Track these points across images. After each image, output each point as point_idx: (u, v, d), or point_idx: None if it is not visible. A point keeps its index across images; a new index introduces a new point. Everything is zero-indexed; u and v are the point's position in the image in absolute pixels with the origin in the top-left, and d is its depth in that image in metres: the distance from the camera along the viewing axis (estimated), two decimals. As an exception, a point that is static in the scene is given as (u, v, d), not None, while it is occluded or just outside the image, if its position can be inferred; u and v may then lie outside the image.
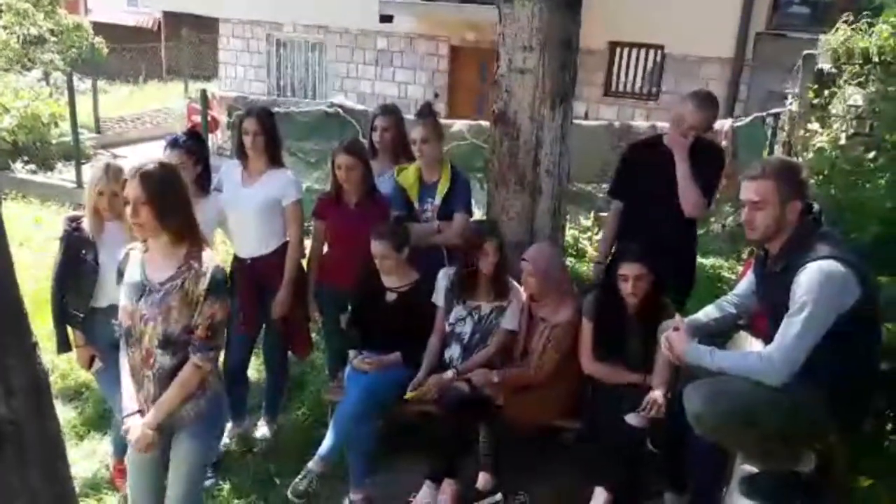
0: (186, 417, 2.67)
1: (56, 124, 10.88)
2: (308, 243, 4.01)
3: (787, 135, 6.20)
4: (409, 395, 3.44)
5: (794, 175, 2.57)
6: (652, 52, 10.73)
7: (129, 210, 2.52)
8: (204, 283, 2.52)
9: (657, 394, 3.15)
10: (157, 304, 2.55)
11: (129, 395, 2.70)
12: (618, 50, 10.94)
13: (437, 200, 3.92)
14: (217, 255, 2.77)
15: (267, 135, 3.79)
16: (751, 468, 2.74)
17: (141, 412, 2.65)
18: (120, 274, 2.75)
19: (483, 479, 3.50)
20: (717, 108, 3.67)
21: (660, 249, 3.33)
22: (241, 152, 3.86)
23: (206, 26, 15.82)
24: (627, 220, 3.88)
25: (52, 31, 15.94)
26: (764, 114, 6.66)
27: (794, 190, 2.52)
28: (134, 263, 2.67)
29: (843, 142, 5.20)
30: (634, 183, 3.78)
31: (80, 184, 8.88)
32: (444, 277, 3.68)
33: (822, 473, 2.66)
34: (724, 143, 6.24)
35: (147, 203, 2.48)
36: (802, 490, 2.62)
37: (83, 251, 3.34)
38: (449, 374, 3.48)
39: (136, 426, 2.62)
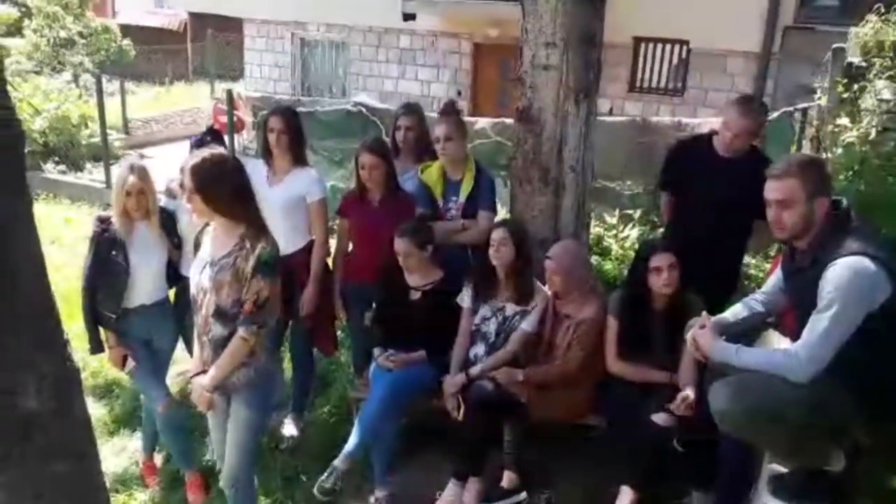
0: (238, 384, 2.88)
1: (85, 125, 11.06)
2: (333, 242, 4.04)
3: (816, 130, 6.10)
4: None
5: (819, 171, 2.54)
6: (677, 47, 10.62)
7: (185, 197, 2.80)
8: (252, 261, 2.72)
9: (688, 392, 3.12)
10: (212, 279, 2.79)
11: (195, 357, 3.00)
12: (642, 45, 10.84)
13: (462, 198, 3.92)
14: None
15: (291, 133, 3.82)
16: (779, 467, 2.71)
17: (205, 372, 2.90)
18: (197, 245, 3.01)
19: (508, 478, 3.49)
20: (762, 114, 3.61)
21: (700, 252, 3.31)
22: (265, 151, 3.89)
23: (231, 27, 15.96)
24: (675, 215, 3.87)
25: (81, 34, 16.18)
26: (791, 109, 6.56)
27: (820, 186, 2.49)
28: (206, 238, 2.94)
29: (873, 137, 5.12)
30: (680, 181, 3.75)
31: (109, 184, 9.01)
32: (470, 278, 3.67)
33: (852, 472, 2.62)
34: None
35: (197, 192, 2.73)
36: (831, 489, 2.59)
37: (113, 252, 3.39)
38: (458, 378, 3.48)
39: (198, 387, 2.90)
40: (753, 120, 3.55)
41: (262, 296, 2.75)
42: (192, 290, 2.91)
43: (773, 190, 2.53)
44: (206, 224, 2.96)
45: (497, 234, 3.47)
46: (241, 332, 2.77)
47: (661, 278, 3.28)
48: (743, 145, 3.56)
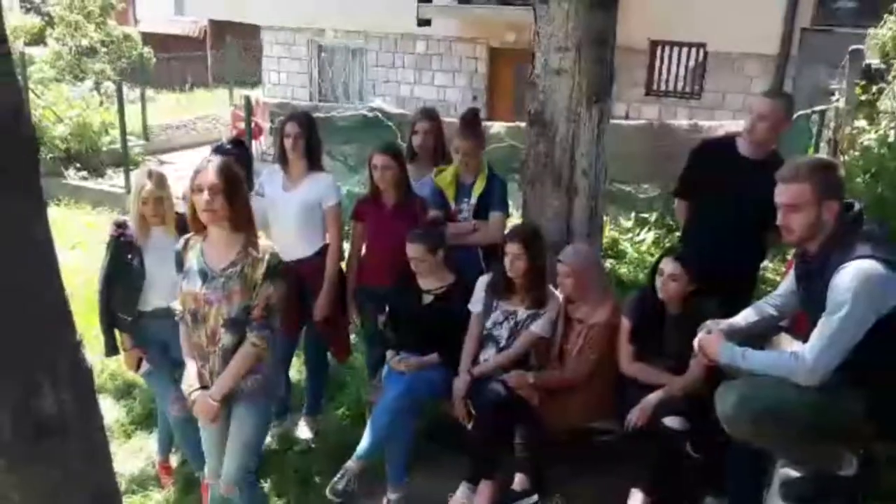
0: (246, 390, 2.90)
1: (106, 132, 11.22)
2: (347, 246, 4.07)
3: (833, 132, 6.05)
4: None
5: (829, 174, 2.52)
6: (693, 50, 10.58)
7: (203, 196, 2.73)
8: (261, 269, 2.77)
9: (649, 397, 3.19)
10: (220, 289, 2.80)
11: (192, 374, 2.95)
12: (659, 49, 10.82)
13: (474, 200, 3.94)
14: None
15: (307, 138, 3.86)
16: (791, 472, 2.70)
17: (206, 387, 2.90)
18: (179, 261, 2.96)
19: (520, 481, 3.49)
20: (789, 101, 3.59)
21: (720, 254, 3.30)
22: (282, 156, 3.93)
23: (250, 34, 16.11)
24: (692, 221, 3.86)
25: (102, 42, 16.37)
26: (809, 111, 6.52)
27: (830, 189, 2.47)
28: (194, 252, 2.90)
29: (891, 139, 5.06)
30: (702, 183, 3.72)
31: (129, 189, 9.11)
32: (482, 283, 3.68)
33: (864, 477, 2.60)
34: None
35: (222, 191, 2.72)
36: (843, 493, 2.57)
37: (129, 256, 3.44)
38: (463, 379, 3.48)
39: (202, 399, 2.87)
40: (779, 103, 3.51)
41: (272, 301, 2.81)
42: (189, 304, 2.87)
43: (781, 193, 2.52)
44: (188, 239, 2.95)
45: (511, 248, 3.46)
46: (251, 337, 2.81)
47: (660, 282, 3.29)
48: (768, 135, 3.50)
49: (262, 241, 2.88)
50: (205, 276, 2.83)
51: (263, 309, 2.80)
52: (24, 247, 1.75)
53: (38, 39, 18.42)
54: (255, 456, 3.05)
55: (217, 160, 2.81)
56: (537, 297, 3.54)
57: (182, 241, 2.99)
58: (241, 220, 2.81)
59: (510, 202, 4.13)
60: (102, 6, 16.65)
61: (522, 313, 3.57)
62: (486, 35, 11.93)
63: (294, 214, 3.85)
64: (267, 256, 2.79)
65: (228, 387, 2.85)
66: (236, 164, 3.65)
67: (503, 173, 4.22)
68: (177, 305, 2.99)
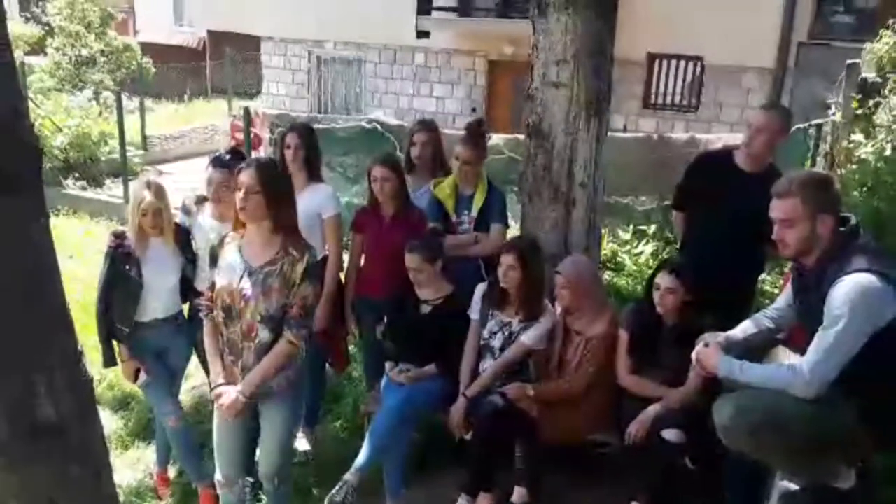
0: (276, 387, 2.94)
1: (105, 142, 11.24)
2: (346, 257, 4.07)
3: (830, 146, 6.08)
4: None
5: (822, 188, 2.53)
6: (691, 63, 10.64)
7: (239, 196, 2.81)
8: (300, 268, 2.82)
9: (651, 409, 3.20)
10: (259, 285, 2.83)
11: (217, 370, 2.99)
12: (656, 62, 10.88)
13: (474, 212, 3.96)
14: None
15: (307, 150, 3.88)
16: (790, 485, 2.70)
17: (231, 384, 2.92)
18: (213, 257, 3.01)
19: (518, 493, 3.48)
20: (787, 114, 3.63)
21: (718, 266, 3.31)
22: (282, 167, 3.93)
23: (249, 45, 16.17)
24: (690, 233, 3.88)
25: (102, 52, 16.43)
26: (806, 124, 6.56)
27: (823, 204, 2.48)
28: (231, 248, 2.95)
29: (888, 153, 5.09)
30: (700, 195, 3.74)
31: (127, 199, 9.04)
32: (479, 291, 3.69)
33: (862, 490, 2.60)
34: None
35: (259, 192, 2.78)
36: (842, 507, 2.57)
37: (127, 266, 3.44)
38: (459, 404, 3.47)
39: (229, 394, 2.89)
40: (776, 116, 3.55)
41: (309, 301, 2.88)
42: (224, 299, 2.90)
43: (775, 208, 2.54)
44: (225, 235, 3.01)
45: (506, 259, 3.47)
46: (289, 335, 2.85)
47: (657, 296, 3.31)
48: (765, 148, 3.53)
49: (303, 242, 2.91)
50: (243, 271, 2.87)
51: (301, 308, 2.85)
52: (26, 251, 1.76)
53: (37, 49, 18.45)
54: (289, 452, 3.13)
55: (259, 160, 2.91)
56: (532, 309, 3.53)
57: (219, 238, 3.06)
58: (282, 219, 2.86)
59: (508, 214, 4.15)
60: (102, 17, 16.73)
61: (517, 325, 3.56)
62: (485, 47, 12.00)
63: (293, 225, 3.85)
64: (306, 256, 2.84)
65: (259, 383, 2.88)
66: (231, 175, 3.68)
67: (501, 185, 4.24)
68: (202, 301, 3.07)
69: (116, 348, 3.55)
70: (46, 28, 18.04)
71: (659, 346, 3.38)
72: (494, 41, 11.69)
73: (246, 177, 2.80)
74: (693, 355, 2.82)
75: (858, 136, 5.51)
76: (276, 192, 2.83)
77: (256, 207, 2.80)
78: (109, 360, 3.58)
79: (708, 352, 2.75)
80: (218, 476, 3.15)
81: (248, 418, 3.04)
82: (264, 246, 2.88)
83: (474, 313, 3.66)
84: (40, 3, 19.83)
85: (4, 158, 1.65)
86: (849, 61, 6.06)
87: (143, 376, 3.57)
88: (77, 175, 10.58)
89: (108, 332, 3.53)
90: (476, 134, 4.07)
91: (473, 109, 12.14)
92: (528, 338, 3.53)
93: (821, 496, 2.60)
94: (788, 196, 2.50)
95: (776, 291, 5.63)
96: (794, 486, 2.68)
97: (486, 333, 3.62)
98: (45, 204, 1.83)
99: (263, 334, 2.86)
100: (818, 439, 2.43)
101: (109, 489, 2.16)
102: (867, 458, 2.61)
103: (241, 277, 2.87)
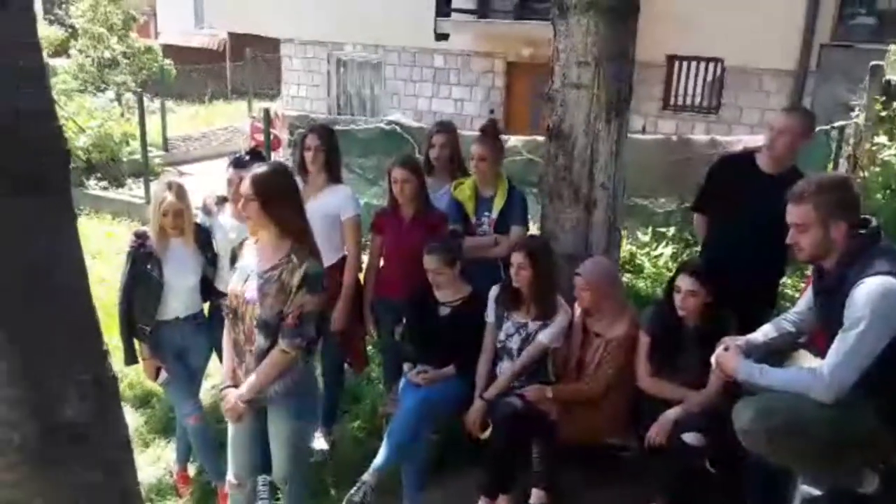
0: (274, 395, 2.93)
1: (127, 143, 11.35)
2: (365, 258, 4.09)
3: (853, 148, 6.02)
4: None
5: (837, 193, 2.50)
6: (711, 64, 10.56)
7: (241, 205, 2.88)
8: (298, 276, 2.78)
9: (672, 412, 3.17)
10: (257, 290, 2.84)
11: (226, 370, 3.05)
12: (676, 63, 10.81)
13: (494, 214, 3.96)
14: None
15: (328, 151, 3.90)
16: (812, 490, 2.67)
17: (236, 385, 2.96)
18: (233, 258, 3.06)
19: (536, 496, 3.47)
20: (810, 117, 3.60)
21: (739, 269, 3.29)
22: (302, 168, 3.96)
23: (269, 46, 16.27)
24: (711, 235, 3.86)
25: (124, 54, 16.62)
26: (828, 127, 6.49)
27: (836, 210, 2.46)
28: (248, 251, 2.99)
29: (912, 155, 5.04)
30: (721, 197, 3.72)
31: (148, 200, 9.16)
32: (493, 293, 3.69)
33: (886, 494, 2.57)
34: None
35: (254, 199, 2.80)
36: (866, 512, 2.54)
37: (149, 266, 3.48)
38: (477, 406, 3.47)
39: (230, 398, 2.94)
40: (798, 118, 3.53)
41: (306, 310, 2.82)
42: (232, 301, 2.95)
43: (790, 213, 2.54)
44: (245, 238, 3.04)
45: (516, 258, 3.48)
46: (282, 344, 2.83)
47: (678, 298, 3.29)
48: (787, 150, 3.51)
49: (313, 251, 2.89)
50: (248, 275, 2.90)
51: (297, 317, 2.81)
52: (57, 255, 1.79)
53: (61, 51, 18.70)
54: (300, 458, 3.13)
55: (258, 169, 2.88)
56: (544, 308, 3.53)
57: (239, 238, 3.10)
58: (287, 226, 2.85)
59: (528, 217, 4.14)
60: (125, 19, 16.92)
61: (532, 325, 3.56)
62: (503, 49, 11.98)
63: (313, 226, 3.85)
64: (305, 264, 2.79)
65: (257, 389, 2.89)
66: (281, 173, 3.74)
67: (519, 186, 4.23)
68: (224, 301, 3.11)
69: (137, 347, 3.59)
70: (70, 30, 18.27)
71: (680, 348, 3.36)
72: (513, 43, 11.67)
73: (244, 186, 2.83)
74: (713, 359, 2.80)
75: (882, 139, 5.44)
76: (273, 201, 2.81)
77: (257, 216, 2.82)
78: (131, 359, 3.62)
79: (728, 355, 2.74)
80: (230, 476, 3.18)
81: (259, 420, 3.05)
82: (272, 251, 2.88)
83: (490, 316, 3.66)
84: (63, 6, 20.10)
85: (34, 160, 1.68)
86: (872, 63, 6.00)
87: (163, 374, 3.61)
88: (99, 175, 10.70)
89: (129, 331, 3.56)
90: (488, 132, 4.07)
91: (492, 111, 12.13)
92: (545, 336, 3.53)
93: (844, 501, 2.57)
94: (801, 201, 2.50)
95: (797, 295, 5.59)
96: (815, 492, 2.66)
97: (502, 335, 3.62)
98: (73, 205, 1.86)
99: (260, 340, 2.86)
100: (839, 442, 2.41)
101: (133, 487, 2.18)
102: (888, 460, 2.57)
103: (247, 280, 2.89)
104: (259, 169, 2.89)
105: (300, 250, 2.84)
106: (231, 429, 3.11)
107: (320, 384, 4.35)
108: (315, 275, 2.82)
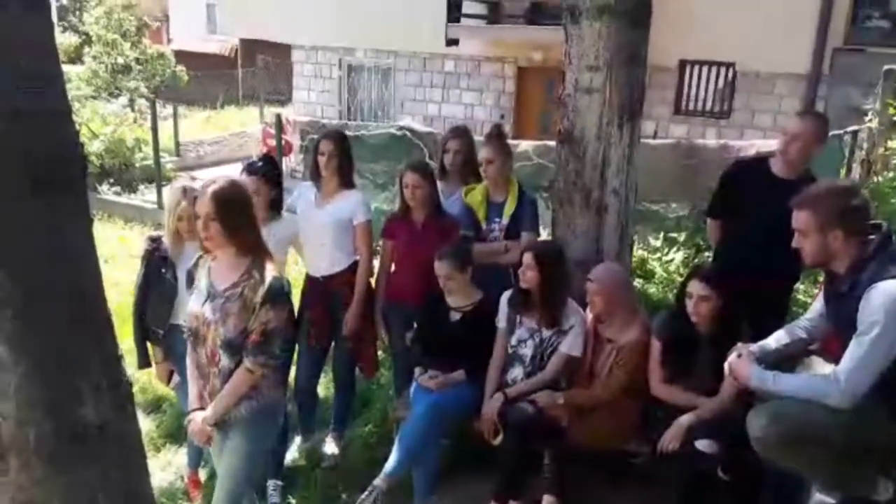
0: (238, 417, 2.82)
1: (139, 148, 11.45)
2: (376, 263, 4.10)
3: (866, 153, 5.98)
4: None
5: (836, 203, 2.48)
6: (723, 69, 10.52)
7: (199, 224, 2.72)
8: (261, 292, 2.68)
9: (685, 418, 3.14)
10: (218, 309, 2.73)
11: (193, 394, 2.93)
12: (688, 68, 10.78)
13: (505, 220, 3.96)
14: (289, 273, 2.87)
15: (341, 157, 3.91)
16: (826, 498, 2.65)
17: (203, 408, 2.86)
18: (190, 279, 2.95)
19: (548, 502, 3.46)
20: (823, 122, 3.59)
21: (753, 275, 3.27)
22: (315, 173, 3.98)
23: (280, 52, 16.35)
24: (725, 240, 3.84)
25: (137, 61, 16.77)
26: (841, 131, 6.45)
27: (834, 218, 2.45)
28: (202, 271, 2.88)
29: (926, 159, 5.00)
30: (735, 202, 3.71)
31: (160, 205, 9.27)
32: (505, 298, 3.68)
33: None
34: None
35: (216, 219, 2.67)
36: (881, 520, 2.51)
37: (163, 269, 3.50)
38: (496, 399, 3.46)
39: (196, 421, 2.85)
40: (812, 123, 3.52)
41: (270, 326, 2.71)
42: (192, 323, 2.83)
43: (793, 218, 2.55)
44: (200, 257, 2.92)
45: (524, 259, 3.48)
46: (246, 362, 2.72)
47: (691, 303, 3.27)
48: (801, 155, 3.50)
49: (269, 265, 2.76)
50: (207, 295, 2.79)
51: (261, 334, 2.70)
52: (72, 254, 1.80)
53: (74, 58, 18.86)
54: (241, 486, 2.93)
55: (214, 186, 2.72)
56: (554, 314, 3.52)
57: (195, 259, 2.96)
58: (246, 243, 2.75)
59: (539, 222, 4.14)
60: (138, 26, 17.06)
61: (547, 332, 3.55)
62: (514, 54, 11.99)
63: (326, 231, 3.89)
64: (269, 280, 2.69)
65: (222, 411, 2.79)
66: (263, 181, 3.72)
67: (530, 191, 4.23)
68: (185, 323, 2.97)
69: (150, 351, 3.61)
70: (83, 37, 18.43)
71: (693, 354, 3.34)
72: (523, 48, 11.68)
73: (201, 205, 2.70)
74: (726, 366, 2.79)
75: (895, 143, 5.41)
76: (232, 219, 2.69)
77: (216, 235, 2.70)
78: (143, 363, 3.63)
79: (740, 362, 2.72)
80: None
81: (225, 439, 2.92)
82: (230, 269, 2.77)
83: (501, 321, 3.65)
84: (77, 13, 20.27)
85: (52, 164, 1.70)
86: (885, 67, 5.96)
87: (176, 378, 3.62)
88: (112, 181, 10.79)
89: (142, 335, 3.58)
90: (493, 137, 4.08)
91: (502, 116, 12.14)
92: (568, 346, 3.52)
93: (858, 509, 2.55)
94: (801, 208, 2.51)
95: (809, 301, 5.55)
96: (829, 500, 2.64)
97: (514, 341, 3.61)
98: (88, 208, 1.87)
99: (224, 360, 2.75)
100: (853, 448, 2.40)
101: (146, 489, 2.19)
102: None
103: (205, 301, 2.78)
104: (215, 186, 2.71)
105: (259, 266, 2.74)
106: (212, 451, 3.02)
107: (328, 394, 4.37)
108: (278, 289, 2.72)
